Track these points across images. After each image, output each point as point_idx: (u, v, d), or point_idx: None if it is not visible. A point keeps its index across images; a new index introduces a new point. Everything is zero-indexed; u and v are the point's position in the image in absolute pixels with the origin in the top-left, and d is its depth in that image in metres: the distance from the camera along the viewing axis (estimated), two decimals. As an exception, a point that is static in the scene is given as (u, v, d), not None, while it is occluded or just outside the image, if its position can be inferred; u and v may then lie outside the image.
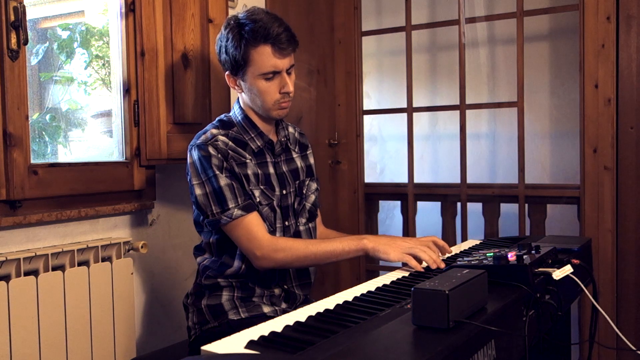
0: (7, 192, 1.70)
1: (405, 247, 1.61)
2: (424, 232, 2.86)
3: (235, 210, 1.68)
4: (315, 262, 1.72)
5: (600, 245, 2.40)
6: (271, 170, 1.82)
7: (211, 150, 1.71)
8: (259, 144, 1.81)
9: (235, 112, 1.84)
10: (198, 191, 1.72)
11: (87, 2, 2.16)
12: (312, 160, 1.99)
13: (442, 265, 1.57)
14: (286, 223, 1.82)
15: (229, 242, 1.76)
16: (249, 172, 1.76)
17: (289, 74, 1.77)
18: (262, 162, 1.80)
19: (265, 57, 1.71)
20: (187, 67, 2.13)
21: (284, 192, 1.82)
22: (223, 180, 1.70)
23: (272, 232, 1.78)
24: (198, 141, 1.74)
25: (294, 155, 1.92)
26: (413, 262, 1.57)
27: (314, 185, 1.95)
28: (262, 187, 1.77)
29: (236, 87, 1.80)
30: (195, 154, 1.73)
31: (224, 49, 1.76)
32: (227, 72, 1.79)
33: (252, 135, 1.80)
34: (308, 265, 1.78)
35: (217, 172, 1.70)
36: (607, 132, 2.38)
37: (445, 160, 3.24)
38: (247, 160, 1.77)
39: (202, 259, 1.83)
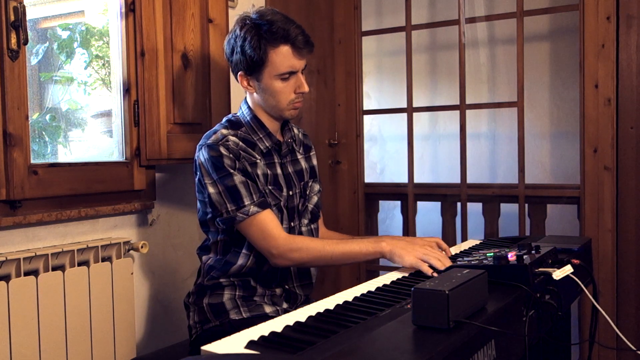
0: (7, 192, 1.70)
1: (420, 253, 1.60)
2: (424, 233, 2.87)
3: (251, 207, 1.68)
4: (331, 262, 1.71)
5: (600, 245, 2.40)
6: (279, 170, 1.82)
7: (223, 150, 1.70)
8: (268, 145, 1.81)
9: (243, 112, 1.84)
10: (211, 190, 1.71)
11: (87, 2, 2.16)
12: (315, 162, 1.99)
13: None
14: (292, 224, 1.82)
15: (235, 240, 1.76)
16: (259, 172, 1.76)
17: (302, 74, 1.78)
18: (270, 162, 1.81)
19: (284, 57, 1.72)
20: (187, 67, 2.13)
21: (290, 192, 1.83)
22: (238, 178, 1.69)
23: None
24: (208, 141, 1.73)
25: (299, 156, 1.93)
26: (425, 267, 1.57)
27: (316, 187, 1.95)
28: (270, 187, 1.77)
29: (249, 88, 1.80)
30: (206, 154, 1.72)
31: (238, 49, 1.75)
32: (240, 72, 1.78)
33: (261, 136, 1.80)
34: (323, 265, 1.79)
35: (231, 171, 1.70)
36: (607, 132, 2.38)
37: (445, 160, 3.24)
38: (257, 161, 1.77)
39: (207, 258, 1.83)
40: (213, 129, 1.80)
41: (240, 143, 1.75)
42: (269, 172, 1.79)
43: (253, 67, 1.74)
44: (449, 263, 1.58)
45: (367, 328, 1.09)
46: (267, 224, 1.69)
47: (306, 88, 1.78)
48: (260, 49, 1.71)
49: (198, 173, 1.75)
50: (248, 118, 1.82)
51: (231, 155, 1.71)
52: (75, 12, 2.18)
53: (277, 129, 1.86)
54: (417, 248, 1.62)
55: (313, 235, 1.90)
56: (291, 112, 1.80)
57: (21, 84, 1.72)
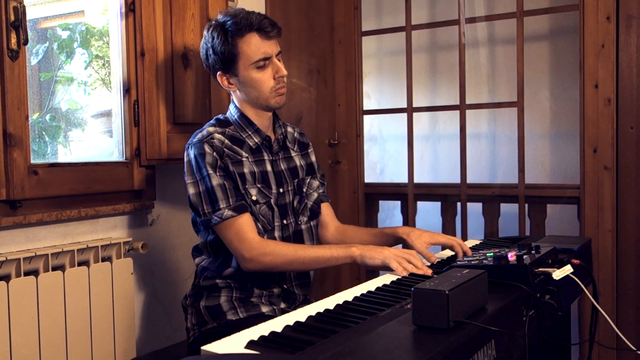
0: (7, 192, 1.70)
1: (390, 253, 1.61)
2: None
3: (226, 210, 1.68)
4: (302, 267, 1.72)
5: (600, 245, 2.40)
6: (268, 168, 1.82)
7: (206, 148, 1.71)
8: (257, 141, 1.81)
9: (231, 112, 1.85)
10: (191, 190, 1.73)
11: (87, 2, 2.16)
12: (313, 158, 1.99)
13: (428, 272, 1.56)
14: (284, 221, 1.82)
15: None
16: (245, 170, 1.76)
17: (278, 60, 1.78)
18: (259, 159, 1.81)
19: (254, 45, 1.73)
20: (187, 67, 2.13)
21: (281, 190, 1.82)
22: (215, 180, 1.70)
23: (270, 230, 1.78)
24: (194, 139, 1.75)
25: (293, 153, 1.92)
26: (394, 264, 1.58)
27: (315, 183, 1.94)
28: (259, 185, 1.77)
29: (230, 86, 1.81)
30: (191, 152, 1.74)
31: (210, 50, 1.77)
32: (218, 73, 1.79)
33: (250, 133, 1.81)
34: (295, 270, 1.78)
35: (211, 172, 1.70)
36: (607, 132, 2.38)
37: (445, 160, 3.24)
38: (244, 159, 1.77)
39: (200, 259, 1.83)
40: (201, 128, 1.81)
41: (226, 141, 1.76)
42: (256, 169, 1.78)
43: (228, 63, 1.75)
44: (411, 265, 1.57)
45: (367, 328, 1.09)
46: (242, 228, 1.69)
47: (284, 71, 1.78)
48: (229, 43, 1.73)
49: (185, 172, 1.77)
50: (236, 116, 1.82)
51: (214, 154, 1.71)
52: (75, 12, 2.18)
53: (267, 125, 1.85)
54: (388, 250, 1.63)
55: (312, 233, 1.91)
56: (277, 100, 1.80)
57: (21, 84, 1.72)
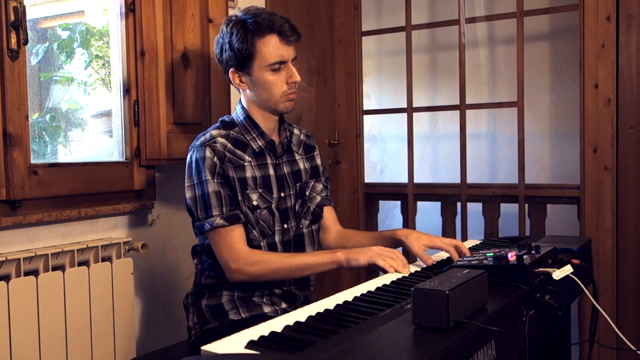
0: (7, 192, 1.70)
1: (374, 252, 1.64)
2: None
3: (218, 218, 1.68)
4: (289, 274, 1.71)
5: (600, 245, 2.40)
6: (271, 172, 1.81)
7: (208, 152, 1.70)
8: (260, 144, 1.80)
9: (237, 113, 1.84)
10: (188, 194, 1.73)
11: (87, 2, 2.16)
12: (318, 161, 1.98)
13: (406, 272, 1.59)
14: (285, 226, 1.81)
15: None
16: (248, 175, 1.75)
17: (292, 65, 1.78)
18: (262, 163, 1.80)
19: (272, 47, 1.72)
20: (187, 67, 2.13)
21: (282, 194, 1.82)
22: (212, 187, 1.69)
23: (270, 235, 1.78)
24: (197, 142, 1.74)
25: (297, 157, 1.91)
26: (381, 262, 1.61)
27: (319, 186, 1.94)
28: (260, 190, 1.76)
29: (241, 84, 1.79)
30: (192, 155, 1.73)
31: (227, 45, 1.75)
32: (231, 69, 1.78)
33: (254, 135, 1.80)
34: (282, 278, 1.76)
35: (209, 177, 1.69)
36: (607, 132, 2.38)
37: (445, 160, 3.24)
38: (246, 163, 1.76)
39: (199, 260, 1.83)
40: (206, 130, 1.80)
41: (229, 145, 1.75)
42: (258, 174, 1.77)
43: (243, 61, 1.74)
44: (396, 262, 1.60)
45: (367, 328, 1.09)
46: (232, 239, 1.69)
47: (298, 77, 1.77)
48: (248, 41, 1.71)
49: (185, 174, 1.76)
50: (241, 118, 1.81)
51: (215, 158, 1.70)
52: (75, 12, 2.18)
53: (272, 128, 1.84)
54: (372, 249, 1.65)
55: (313, 237, 1.90)
56: (286, 105, 1.79)
57: (21, 84, 1.72)
